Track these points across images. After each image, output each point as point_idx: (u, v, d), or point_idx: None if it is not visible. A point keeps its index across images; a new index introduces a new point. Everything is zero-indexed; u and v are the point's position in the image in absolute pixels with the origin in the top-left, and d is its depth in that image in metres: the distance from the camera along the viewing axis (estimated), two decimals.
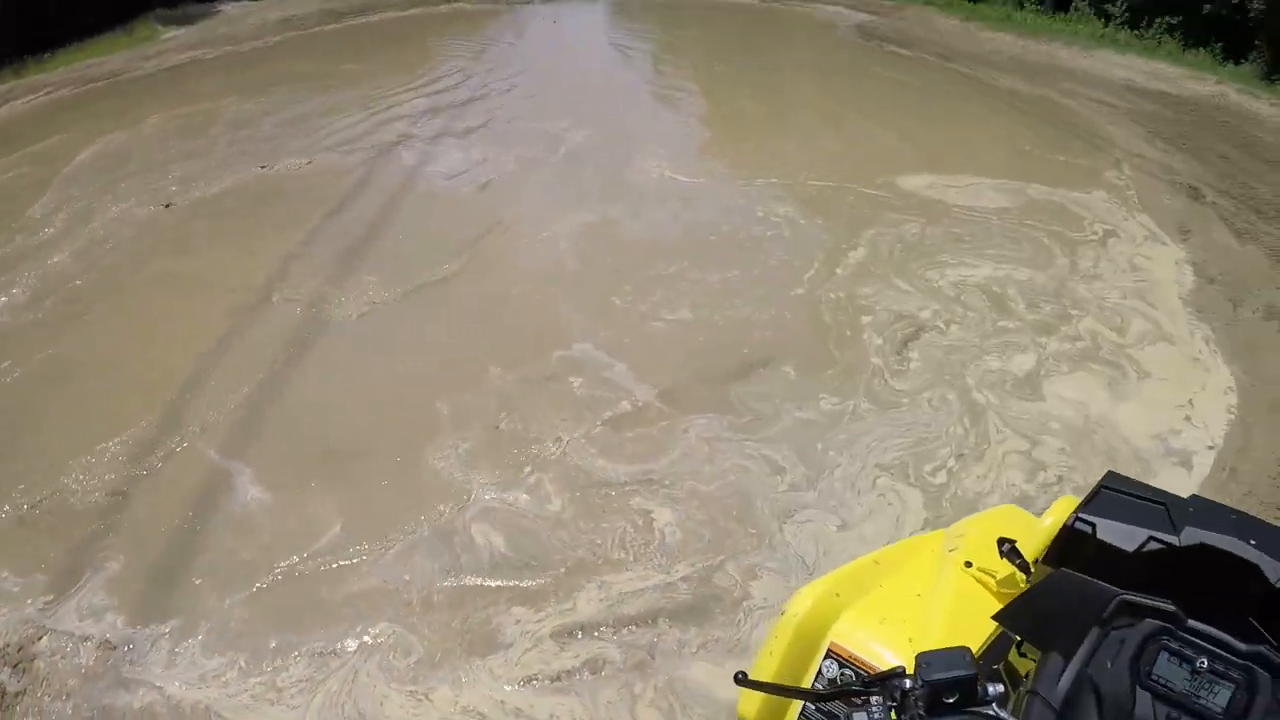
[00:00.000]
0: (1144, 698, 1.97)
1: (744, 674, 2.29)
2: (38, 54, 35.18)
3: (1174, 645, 2.00)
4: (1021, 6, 33.89)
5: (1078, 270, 10.93)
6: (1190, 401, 8.49)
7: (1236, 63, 25.88)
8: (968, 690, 2.00)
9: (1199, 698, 1.95)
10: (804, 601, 2.84)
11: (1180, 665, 1.99)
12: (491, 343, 10.02)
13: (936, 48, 26.43)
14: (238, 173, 16.05)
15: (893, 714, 2.10)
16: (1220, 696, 1.93)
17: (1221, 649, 1.97)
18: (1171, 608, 2.03)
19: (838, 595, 2.86)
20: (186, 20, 47.03)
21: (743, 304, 10.32)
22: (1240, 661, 1.95)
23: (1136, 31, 28.80)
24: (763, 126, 17.79)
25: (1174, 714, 1.95)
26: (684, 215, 12.95)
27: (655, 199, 13.58)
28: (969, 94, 20.71)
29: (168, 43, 36.77)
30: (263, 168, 15.94)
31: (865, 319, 9.69)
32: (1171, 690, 1.97)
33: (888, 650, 2.70)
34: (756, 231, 11.90)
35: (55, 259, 12.87)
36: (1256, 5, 25.13)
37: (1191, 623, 2.01)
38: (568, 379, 9.27)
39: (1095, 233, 12.09)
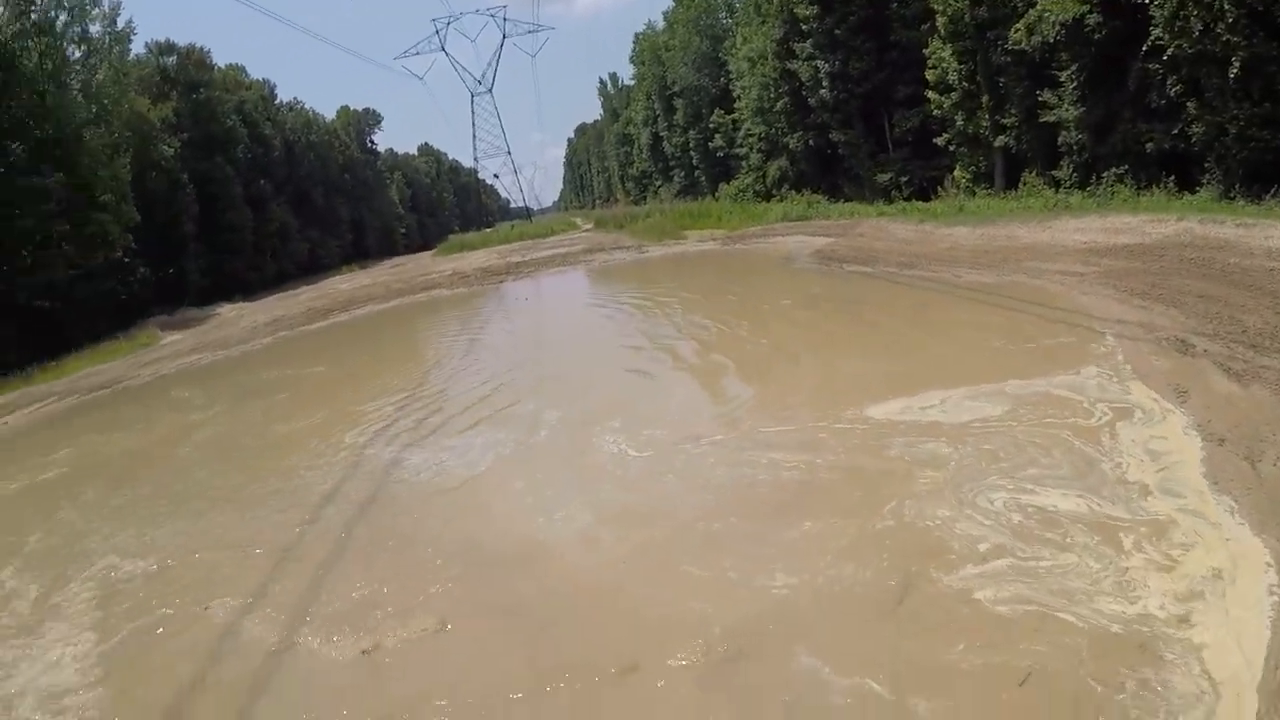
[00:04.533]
0: None
1: None
2: (45, 361, 37.73)
3: None
4: (973, 194, 36.18)
5: (1108, 478, 8.79)
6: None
7: (1193, 192, 25.61)
8: None
9: None
10: None
11: None
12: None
13: (897, 257, 25.64)
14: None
15: None
16: None
17: None
18: None
19: None
20: (185, 324, 49.41)
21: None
22: None
23: (1087, 191, 29.42)
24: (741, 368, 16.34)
25: None
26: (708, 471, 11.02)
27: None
28: (937, 301, 19.58)
29: (166, 349, 38.98)
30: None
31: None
32: None
33: None
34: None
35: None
36: (1197, 130, 25.08)
37: None
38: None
39: (1104, 417, 10.31)
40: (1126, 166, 28.65)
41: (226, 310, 53.63)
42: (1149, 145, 27.68)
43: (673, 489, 10.79)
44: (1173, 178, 26.74)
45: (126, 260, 51.21)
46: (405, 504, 12.30)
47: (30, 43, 46.37)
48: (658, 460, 11.87)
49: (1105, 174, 29.22)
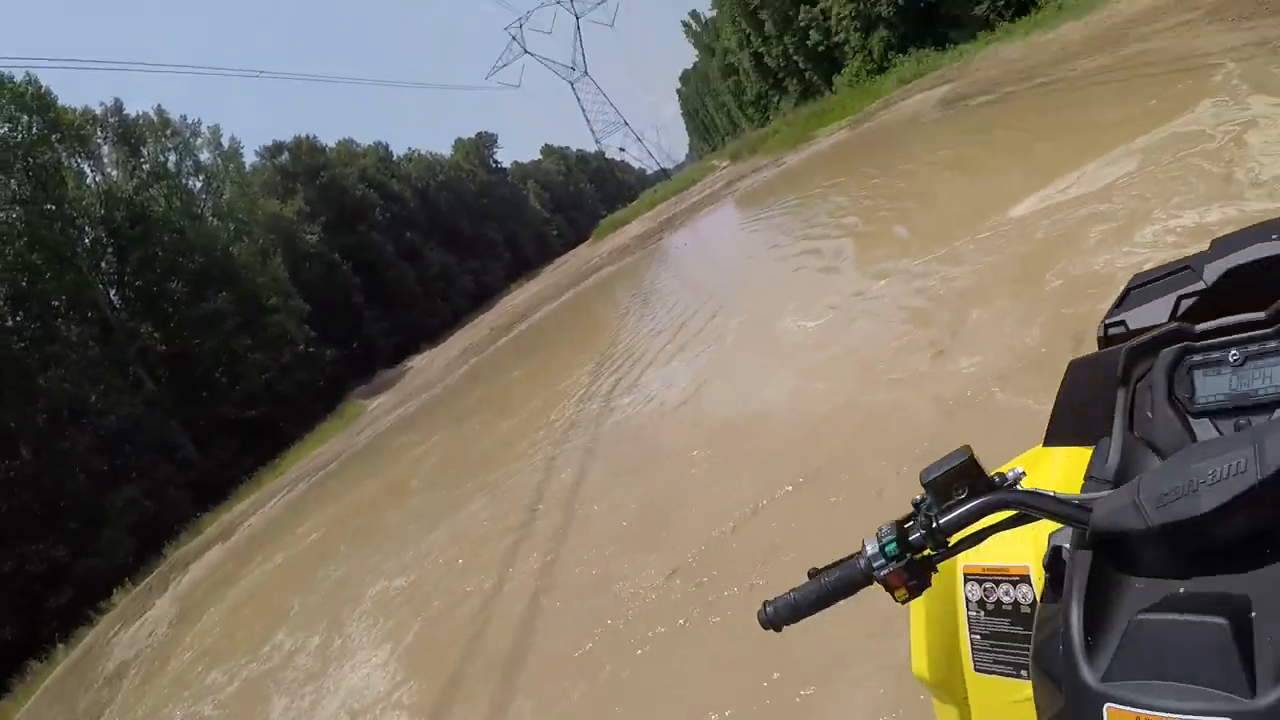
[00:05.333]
0: (1204, 427, 1.66)
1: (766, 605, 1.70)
2: (269, 461, 39.48)
3: (1198, 358, 1.74)
4: None
5: (1244, 182, 8.79)
6: None
7: None
8: (975, 478, 1.57)
9: (1254, 390, 1.67)
10: None
11: (1216, 372, 1.72)
12: None
13: (1014, 75, 25.56)
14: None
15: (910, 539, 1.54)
16: (1273, 374, 1.67)
17: (1247, 330, 1.73)
18: (1174, 325, 1.84)
19: None
20: (384, 386, 51.11)
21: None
22: (1269, 330, 1.71)
23: None
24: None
25: (1242, 421, 1.65)
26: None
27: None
28: (1059, 98, 19.51)
29: (374, 412, 40.09)
30: None
31: None
32: (1224, 402, 1.68)
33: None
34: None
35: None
36: None
37: (1201, 327, 1.79)
38: None
39: (1229, 135, 10.15)
40: None
41: (417, 360, 55.23)
42: None
43: (855, 334, 11.39)
44: None
45: (311, 349, 53.28)
46: (633, 434, 12.80)
47: (152, 191, 48.91)
48: (837, 319, 12.45)
49: None
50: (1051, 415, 1.94)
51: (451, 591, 10.35)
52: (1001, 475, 1.49)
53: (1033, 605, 1.67)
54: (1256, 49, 13.14)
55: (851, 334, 11.42)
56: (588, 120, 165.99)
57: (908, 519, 1.48)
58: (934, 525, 1.42)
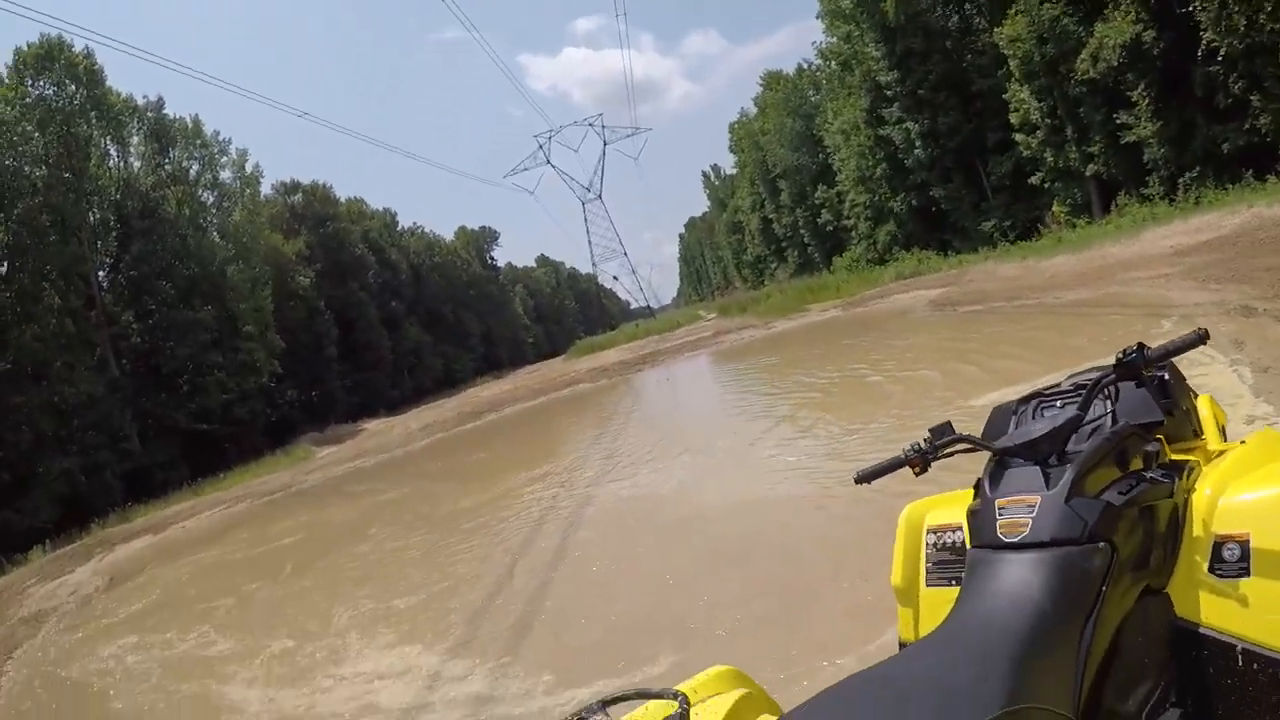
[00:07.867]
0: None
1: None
2: (209, 476, 39.87)
3: (1040, 402, 2.89)
4: (1074, 226, 36.65)
5: None
6: None
7: (1264, 180, 26.54)
8: (950, 430, 2.66)
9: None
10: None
11: (1050, 407, 2.82)
12: None
13: (1004, 293, 26.55)
14: None
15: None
16: (1049, 410, 2.80)
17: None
18: (1034, 391, 2.96)
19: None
20: (336, 439, 51.17)
21: None
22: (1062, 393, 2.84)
23: (1175, 203, 29.96)
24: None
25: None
26: None
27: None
28: (1036, 319, 20.88)
29: (324, 459, 40.25)
30: None
31: None
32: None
33: None
34: None
35: None
36: (1265, 121, 26.46)
37: (1043, 387, 2.95)
38: None
39: None
40: (1209, 169, 29.52)
41: (374, 424, 55.06)
42: (1225, 146, 28.54)
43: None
44: (1250, 171, 27.56)
45: (275, 384, 53.70)
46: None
47: (168, 192, 50.20)
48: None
49: (1182, 179, 30.38)
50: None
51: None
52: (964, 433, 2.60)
53: (962, 546, 2.57)
54: (1214, 308, 14.23)
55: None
56: (590, 242, 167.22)
57: (923, 441, 2.62)
58: (933, 445, 2.58)
